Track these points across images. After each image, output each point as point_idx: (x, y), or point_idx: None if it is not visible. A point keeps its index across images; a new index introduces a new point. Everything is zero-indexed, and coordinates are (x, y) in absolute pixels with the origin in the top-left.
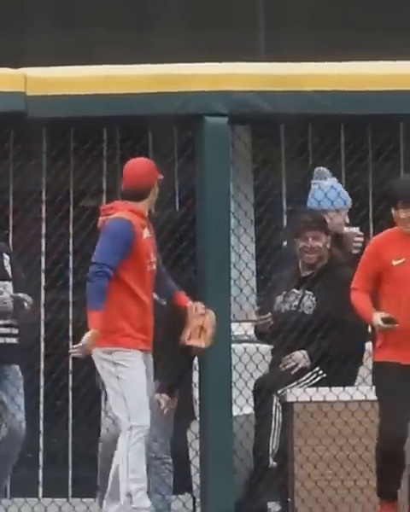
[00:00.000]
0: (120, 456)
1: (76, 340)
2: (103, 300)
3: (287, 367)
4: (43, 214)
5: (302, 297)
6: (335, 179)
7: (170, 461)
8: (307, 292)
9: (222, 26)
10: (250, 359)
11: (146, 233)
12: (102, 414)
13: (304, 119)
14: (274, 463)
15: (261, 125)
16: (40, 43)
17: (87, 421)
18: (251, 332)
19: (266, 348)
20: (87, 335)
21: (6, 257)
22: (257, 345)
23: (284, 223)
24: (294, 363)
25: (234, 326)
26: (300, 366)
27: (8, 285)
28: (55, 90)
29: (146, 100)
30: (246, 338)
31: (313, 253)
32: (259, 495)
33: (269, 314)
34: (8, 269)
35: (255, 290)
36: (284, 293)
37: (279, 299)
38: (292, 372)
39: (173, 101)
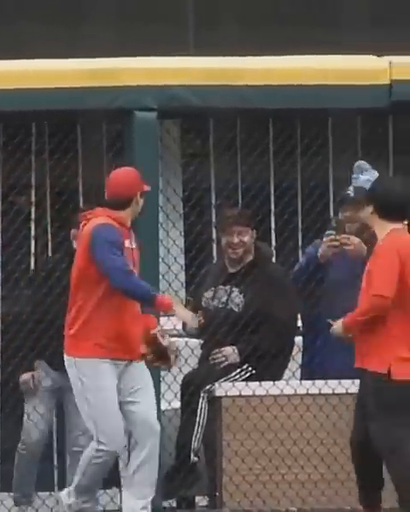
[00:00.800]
0: (80, 465)
1: (5, 334)
2: (149, 287)
3: (216, 361)
4: None
5: (230, 293)
6: (374, 172)
7: None
8: (234, 288)
9: (152, 20)
10: (179, 353)
11: (128, 243)
12: (25, 417)
13: (233, 114)
14: (195, 458)
15: (190, 119)
16: None
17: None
18: (180, 326)
19: (194, 342)
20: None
21: None
22: (186, 339)
23: (213, 217)
24: (223, 358)
25: (163, 320)
26: (229, 361)
27: None
28: None
29: (76, 94)
30: (175, 332)
31: (238, 248)
32: (184, 489)
33: (199, 313)
34: None
35: (184, 284)
36: (213, 289)
37: (208, 294)
38: (221, 366)
39: (103, 95)
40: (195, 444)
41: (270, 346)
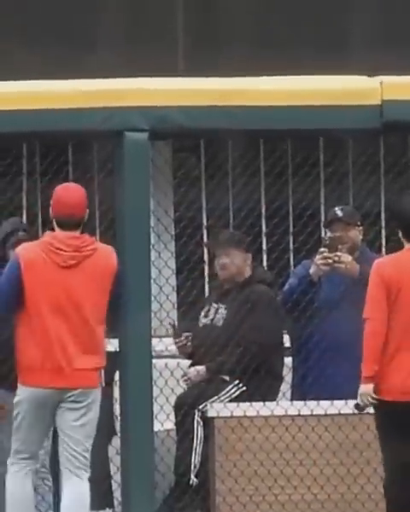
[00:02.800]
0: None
1: None
2: None
3: (184, 381)
4: None
5: (218, 310)
6: None
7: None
8: (221, 305)
9: (142, 42)
10: (171, 374)
11: None
12: None
13: (224, 135)
14: (195, 479)
15: (181, 140)
16: None
17: None
18: (172, 347)
19: (186, 363)
20: None
21: None
22: (178, 360)
23: (205, 238)
24: (186, 378)
25: (155, 341)
26: (194, 380)
27: None
28: None
29: (66, 115)
30: (167, 353)
31: (224, 269)
32: (179, 510)
33: (183, 336)
34: None
35: (176, 305)
36: (207, 307)
37: (202, 313)
38: (186, 385)
39: (94, 116)
40: (195, 464)
41: (243, 364)
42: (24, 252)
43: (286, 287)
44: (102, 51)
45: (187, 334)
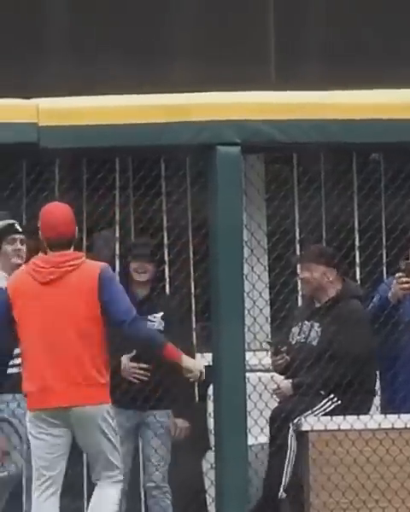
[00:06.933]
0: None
1: None
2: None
3: (275, 394)
4: None
5: (311, 328)
6: None
7: (168, 490)
8: (314, 323)
9: (233, 54)
10: (265, 388)
11: None
12: None
13: (316, 148)
14: (284, 494)
15: (274, 153)
16: (52, 74)
17: None
18: (265, 361)
19: (280, 377)
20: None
21: None
22: (272, 374)
23: (297, 251)
24: (279, 391)
25: (248, 355)
26: (285, 393)
27: None
28: (67, 120)
29: (158, 130)
30: (260, 367)
31: (304, 284)
32: None
33: (283, 355)
34: None
35: (269, 319)
36: (300, 324)
37: (294, 330)
38: (278, 398)
39: (185, 130)
40: (285, 479)
41: (339, 378)
42: (11, 279)
43: (370, 306)
44: (190, 65)
45: (284, 353)
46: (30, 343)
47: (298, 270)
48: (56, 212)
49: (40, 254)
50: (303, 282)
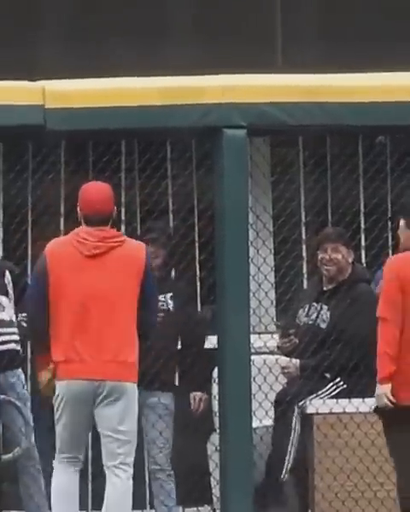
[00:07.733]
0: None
1: None
2: None
3: (283, 374)
4: (62, 227)
5: (320, 310)
6: None
7: (172, 472)
8: (323, 306)
9: (239, 38)
10: (270, 371)
11: None
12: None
13: (322, 131)
14: (286, 476)
15: (279, 136)
16: (54, 55)
17: None
18: (270, 344)
19: (285, 360)
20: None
21: (7, 274)
22: (276, 356)
23: (303, 234)
24: (286, 371)
25: (253, 338)
26: (292, 373)
27: (4, 300)
28: (73, 102)
29: (164, 112)
30: (265, 350)
31: (331, 265)
32: (266, 506)
33: (291, 338)
34: (9, 286)
35: (274, 302)
36: (307, 306)
37: (301, 312)
38: (286, 378)
39: (191, 113)
40: (288, 462)
41: (346, 361)
42: (52, 246)
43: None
44: (196, 47)
45: (292, 335)
46: (65, 313)
47: (320, 251)
48: (97, 189)
49: (82, 227)
50: (331, 263)
